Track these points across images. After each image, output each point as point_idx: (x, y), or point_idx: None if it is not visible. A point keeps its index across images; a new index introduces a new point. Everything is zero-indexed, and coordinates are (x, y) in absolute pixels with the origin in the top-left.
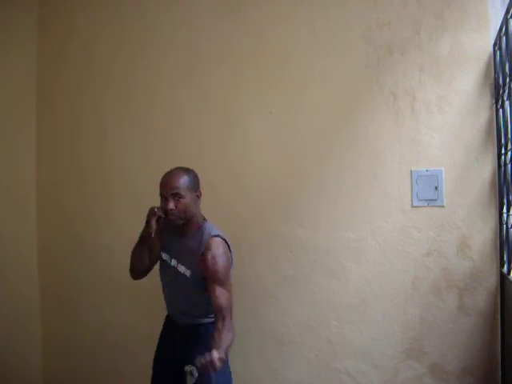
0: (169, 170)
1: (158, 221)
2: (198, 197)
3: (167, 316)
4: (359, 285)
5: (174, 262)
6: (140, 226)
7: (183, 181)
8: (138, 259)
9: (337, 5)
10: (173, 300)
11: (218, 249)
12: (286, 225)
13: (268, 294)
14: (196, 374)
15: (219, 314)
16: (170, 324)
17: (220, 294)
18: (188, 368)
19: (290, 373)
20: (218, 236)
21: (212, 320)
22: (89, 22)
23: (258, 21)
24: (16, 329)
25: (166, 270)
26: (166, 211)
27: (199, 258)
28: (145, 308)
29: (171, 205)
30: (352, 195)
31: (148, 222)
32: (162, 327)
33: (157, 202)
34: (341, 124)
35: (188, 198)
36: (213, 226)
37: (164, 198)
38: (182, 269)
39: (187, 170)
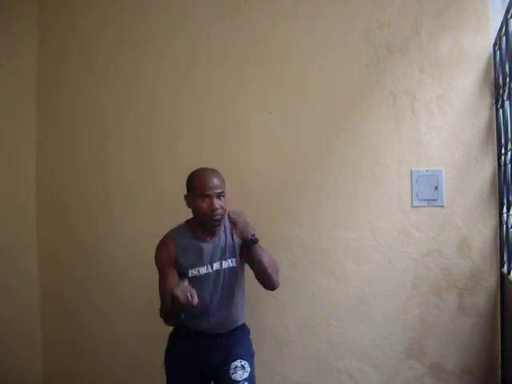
0: (198, 169)
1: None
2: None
3: (188, 331)
4: (359, 285)
5: (216, 266)
6: (140, 225)
7: (222, 180)
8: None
9: (337, 5)
10: (220, 309)
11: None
12: (286, 225)
13: (268, 293)
14: (249, 368)
15: None
16: (202, 337)
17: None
18: (239, 363)
19: (290, 373)
20: None
21: (245, 320)
22: (89, 22)
23: (257, 21)
24: (16, 330)
25: (204, 283)
26: (211, 212)
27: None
28: (145, 309)
29: (217, 204)
30: (352, 195)
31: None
32: (173, 342)
33: (156, 201)
34: (341, 124)
35: (226, 197)
36: None
37: (208, 197)
38: (227, 264)
39: (216, 170)
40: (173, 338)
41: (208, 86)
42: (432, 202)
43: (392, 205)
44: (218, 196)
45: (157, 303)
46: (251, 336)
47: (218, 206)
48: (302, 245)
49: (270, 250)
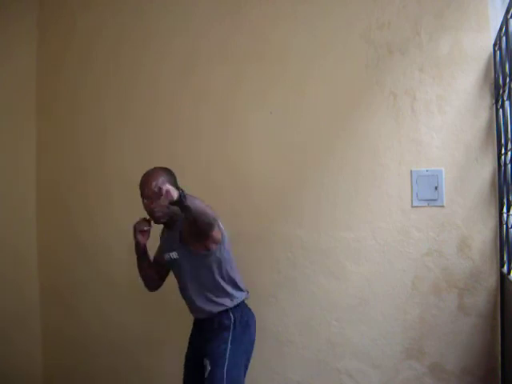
0: (146, 171)
1: (145, 232)
2: None
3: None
4: (359, 285)
5: (174, 255)
6: None
7: (161, 179)
8: (147, 273)
9: (337, 5)
10: (187, 295)
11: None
12: (286, 225)
13: (268, 293)
14: (209, 368)
15: None
16: (195, 321)
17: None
18: (205, 361)
19: (290, 373)
20: None
21: (223, 309)
22: (89, 22)
23: (257, 21)
24: (16, 328)
25: (178, 268)
26: (149, 213)
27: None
28: (144, 307)
29: (152, 206)
30: (352, 195)
31: (135, 239)
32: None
33: None
34: (341, 124)
35: None
36: None
37: (144, 197)
38: (173, 255)
39: (164, 169)
40: None
41: (208, 86)
42: (432, 202)
43: (392, 205)
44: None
45: (156, 302)
46: (232, 327)
47: (152, 206)
48: (302, 245)
49: (270, 250)
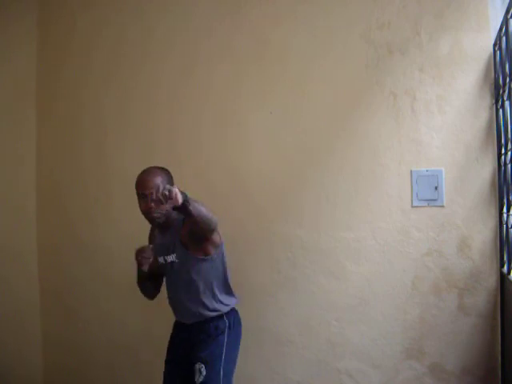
0: (143, 170)
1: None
2: None
3: (176, 321)
4: (359, 285)
5: (171, 258)
6: (140, 225)
7: (160, 179)
8: (150, 288)
9: (337, 5)
10: (179, 300)
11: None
12: (286, 225)
13: (268, 293)
14: (204, 372)
15: None
16: (179, 326)
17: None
18: (197, 366)
19: (290, 373)
20: None
21: (217, 314)
22: (89, 22)
23: (257, 21)
24: (16, 328)
25: (172, 272)
26: (146, 212)
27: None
28: (144, 307)
29: (151, 203)
30: (352, 195)
31: (140, 266)
32: (171, 331)
33: None
34: (341, 124)
35: None
36: None
37: (142, 196)
38: (170, 258)
39: (161, 169)
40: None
41: (208, 86)
42: (432, 202)
43: (392, 205)
44: (152, 195)
45: (156, 302)
46: (227, 331)
47: (151, 206)
48: (302, 245)
49: (270, 250)
